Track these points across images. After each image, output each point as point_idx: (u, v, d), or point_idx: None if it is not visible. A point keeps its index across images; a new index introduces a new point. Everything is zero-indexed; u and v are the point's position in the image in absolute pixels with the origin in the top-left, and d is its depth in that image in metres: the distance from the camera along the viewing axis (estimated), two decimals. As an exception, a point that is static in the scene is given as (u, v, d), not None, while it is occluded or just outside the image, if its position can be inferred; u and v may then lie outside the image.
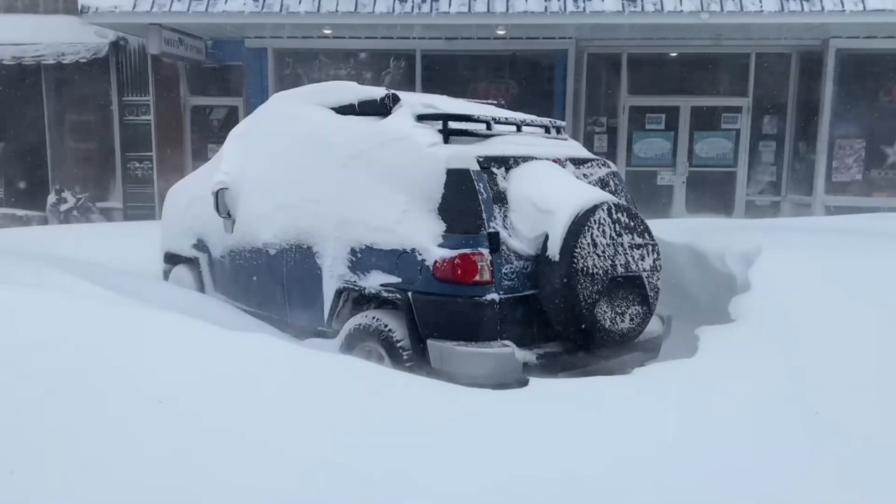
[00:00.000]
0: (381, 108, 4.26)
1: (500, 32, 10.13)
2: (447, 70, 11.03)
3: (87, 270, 4.41)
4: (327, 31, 10.34)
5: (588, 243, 3.64)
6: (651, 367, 3.37)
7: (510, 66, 11.02)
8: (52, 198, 11.16)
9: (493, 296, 3.65)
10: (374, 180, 4.05)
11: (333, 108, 4.57)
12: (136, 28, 10.07)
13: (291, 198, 4.58)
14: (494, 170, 3.85)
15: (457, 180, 3.72)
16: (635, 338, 3.96)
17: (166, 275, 6.01)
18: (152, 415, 2.37)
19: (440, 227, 3.73)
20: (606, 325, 3.73)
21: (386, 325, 3.92)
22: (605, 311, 3.73)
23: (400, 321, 3.89)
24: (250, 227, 4.90)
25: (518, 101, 10.30)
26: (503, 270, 3.70)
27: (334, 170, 4.30)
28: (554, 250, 3.67)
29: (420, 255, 3.76)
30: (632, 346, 3.99)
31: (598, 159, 4.50)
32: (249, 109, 9.18)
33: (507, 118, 4.31)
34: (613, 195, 4.12)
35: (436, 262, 3.68)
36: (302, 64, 11.17)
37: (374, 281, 3.99)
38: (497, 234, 3.70)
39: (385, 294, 3.96)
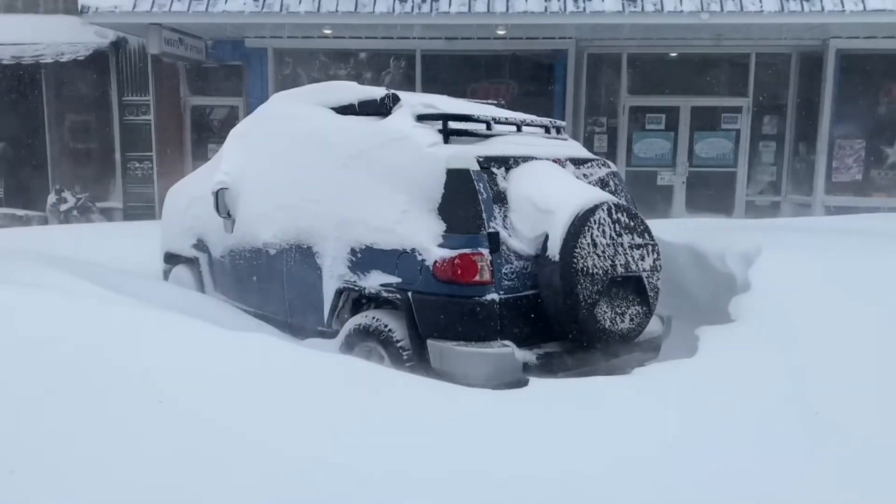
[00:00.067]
0: (381, 108, 4.26)
1: (500, 32, 10.14)
2: (447, 70, 11.03)
3: (87, 270, 4.41)
4: (327, 31, 10.34)
5: (588, 243, 3.64)
6: (651, 367, 3.37)
7: (510, 66, 11.02)
8: (52, 198, 11.16)
9: (493, 296, 3.65)
10: (374, 180, 4.05)
11: (333, 108, 4.57)
12: (136, 28, 10.07)
13: (291, 198, 4.58)
14: (494, 170, 3.85)
15: (457, 180, 3.72)
16: (635, 338, 3.96)
17: (166, 275, 6.01)
18: (152, 415, 2.37)
19: (440, 227, 3.73)
20: (606, 326, 3.73)
21: (386, 325, 3.92)
22: (605, 312, 3.73)
23: (400, 321, 3.89)
24: (250, 227, 4.90)
25: (518, 102, 10.29)
26: (503, 270, 3.70)
27: (334, 170, 4.30)
28: (554, 250, 3.67)
29: (420, 255, 3.76)
30: (632, 346, 3.99)
31: (598, 159, 4.50)
32: (249, 109, 9.18)
33: (507, 118, 4.31)
34: (613, 195, 4.12)
35: (436, 262, 3.68)
36: (302, 64, 11.17)
37: (374, 281, 3.99)
38: (497, 234, 3.70)
39: (385, 294, 3.95)
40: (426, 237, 3.74)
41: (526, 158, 4.01)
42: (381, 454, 2.31)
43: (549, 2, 9.26)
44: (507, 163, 3.93)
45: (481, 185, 3.72)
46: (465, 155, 3.80)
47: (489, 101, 5.54)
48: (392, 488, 2.16)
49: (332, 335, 4.26)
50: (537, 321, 3.81)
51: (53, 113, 11.70)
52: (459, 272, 3.62)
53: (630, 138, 11.02)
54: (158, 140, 11.22)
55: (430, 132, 3.95)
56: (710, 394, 2.86)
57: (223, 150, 5.33)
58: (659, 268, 4.00)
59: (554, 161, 4.11)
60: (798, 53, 10.60)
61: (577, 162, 4.31)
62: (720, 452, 2.47)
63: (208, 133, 11.44)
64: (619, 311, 3.81)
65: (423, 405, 2.70)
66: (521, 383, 3.18)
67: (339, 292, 4.24)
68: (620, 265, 3.78)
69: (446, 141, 3.92)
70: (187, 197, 5.74)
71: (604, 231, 3.72)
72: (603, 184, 4.35)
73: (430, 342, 3.73)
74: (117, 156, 11.59)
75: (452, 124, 3.98)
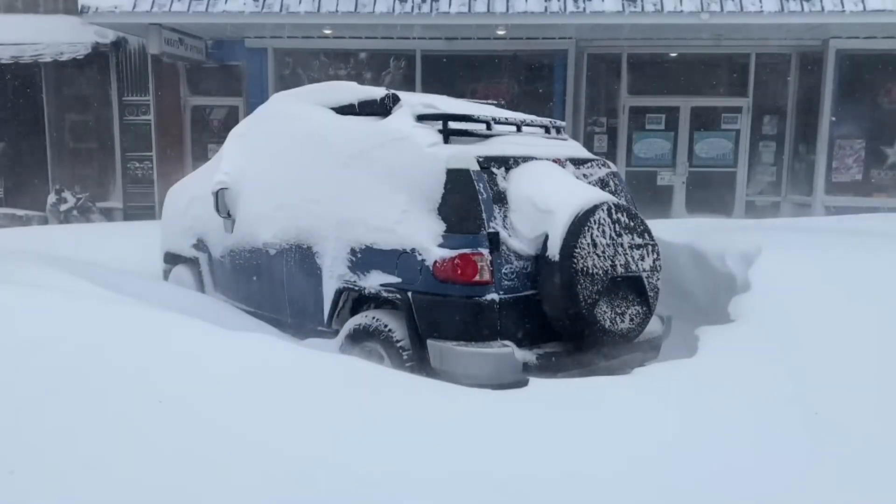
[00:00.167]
0: (381, 108, 4.26)
1: (500, 33, 10.14)
2: (447, 70, 11.03)
3: (87, 270, 4.41)
4: (327, 31, 10.34)
5: (588, 243, 3.64)
6: (651, 367, 3.36)
7: (510, 67, 11.02)
8: (52, 198, 11.16)
9: (493, 296, 3.65)
10: (374, 180, 4.05)
11: (333, 108, 4.57)
12: (136, 28, 10.08)
13: (291, 198, 4.58)
14: (494, 170, 3.85)
15: (457, 180, 3.72)
16: (635, 338, 3.96)
17: (166, 275, 6.02)
18: (152, 415, 2.37)
19: (440, 227, 3.73)
20: (606, 326, 3.73)
21: (386, 325, 3.92)
22: (605, 312, 3.73)
23: (400, 321, 3.89)
24: (250, 227, 4.90)
25: (518, 102, 10.31)
26: (503, 270, 3.70)
27: (334, 170, 4.30)
28: (554, 250, 3.67)
29: (420, 255, 3.76)
30: (632, 346, 3.99)
31: (598, 159, 4.50)
32: (249, 109, 9.18)
33: (507, 118, 4.31)
34: (613, 195, 4.12)
35: (436, 262, 3.68)
36: (302, 64, 11.17)
37: (374, 281, 3.99)
38: (497, 234, 3.70)
39: (385, 294, 3.96)
40: (426, 237, 3.74)
41: (526, 158, 4.01)
42: (381, 454, 2.31)
43: (549, 2, 9.26)
44: (507, 163, 3.93)
45: (481, 185, 3.72)
46: (465, 155, 3.80)
47: (489, 102, 5.54)
48: (392, 488, 2.16)
49: (332, 335, 4.27)
50: (537, 321, 3.81)
51: (53, 113, 11.71)
52: (459, 272, 3.62)
53: (630, 138, 11.02)
54: (158, 140, 11.23)
55: (430, 132, 3.95)
56: (710, 394, 2.86)
57: (223, 151, 5.33)
58: (659, 268, 4.00)
59: (554, 161, 4.11)
60: (798, 53, 10.61)
61: (577, 162, 4.31)
62: (720, 452, 2.47)
63: (208, 133, 11.44)
64: (619, 312, 3.81)
65: (423, 405, 2.69)
66: (521, 383, 3.17)
67: (339, 292, 4.24)
68: (620, 265, 3.78)
69: (446, 141, 3.93)
70: (187, 197, 5.74)
71: (604, 231, 3.72)
72: (603, 184, 4.35)
73: (430, 342, 3.73)
74: (117, 156, 11.60)
75: (452, 124, 3.98)
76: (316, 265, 4.38)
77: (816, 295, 3.58)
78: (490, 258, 3.65)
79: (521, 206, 3.80)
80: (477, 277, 3.63)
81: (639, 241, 3.89)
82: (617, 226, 3.79)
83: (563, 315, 3.71)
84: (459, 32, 10.26)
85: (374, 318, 4.00)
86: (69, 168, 11.79)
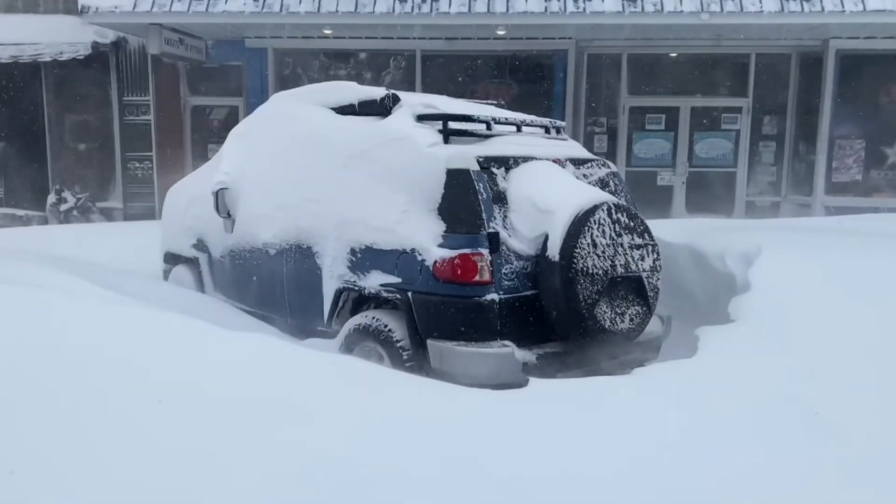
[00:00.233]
0: (381, 108, 4.26)
1: (500, 33, 10.14)
2: (447, 70, 11.03)
3: (87, 270, 4.41)
4: (327, 31, 10.34)
5: (588, 243, 3.64)
6: (651, 367, 3.37)
7: (510, 67, 11.02)
8: (52, 198, 11.16)
9: (493, 296, 3.66)
10: (374, 180, 4.05)
11: (333, 108, 4.57)
12: (137, 28, 10.07)
13: (291, 198, 4.58)
14: (494, 170, 3.85)
15: (457, 180, 3.72)
16: (635, 338, 3.96)
17: (166, 275, 6.02)
18: (152, 415, 2.37)
19: (440, 227, 3.73)
20: (606, 326, 3.73)
21: (386, 325, 3.92)
22: (605, 312, 3.73)
23: (400, 321, 3.89)
24: (250, 227, 4.90)
25: (518, 102, 10.29)
26: (503, 270, 3.70)
27: (334, 170, 4.30)
28: (554, 250, 3.67)
29: (420, 255, 3.76)
30: (632, 346, 3.99)
31: (597, 159, 4.50)
32: (249, 109, 9.18)
33: (507, 118, 4.31)
34: (613, 195, 4.12)
35: (436, 262, 3.68)
36: (302, 64, 11.17)
37: (374, 281, 3.99)
38: (497, 234, 3.70)
39: (385, 294, 3.96)
40: (426, 237, 3.74)
41: (526, 158, 4.01)
42: (381, 454, 2.31)
43: (549, 2, 9.26)
44: (507, 163, 3.93)
45: (481, 185, 3.72)
46: (465, 155, 3.80)
47: (489, 102, 5.54)
48: (392, 488, 2.16)
49: (332, 335, 4.27)
50: (537, 321, 3.81)
51: (53, 113, 11.70)
52: (459, 272, 3.62)
53: (630, 138, 11.02)
54: (158, 140, 11.23)
55: (430, 132, 3.95)
56: (710, 394, 2.86)
57: (223, 150, 5.33)
58: (659, 268, 4.00)
59: (554, 161, 4.11)
60: (798, 53, 10.61)
61: (577, 162, 4.31)
62: (720, 452, 2.47)
63: (208, 133, 11.43)
64: (619, 312, 3.81)
65: (423, 405, 2.70)
66: (521, 383, 3.18)
67: (339, 292, 4.24)
68: (620, 265, 3.78)
69: (446, 141, 3.93)
70: (187, 197, 5.74)
71: (604, 231, 3.72)
72: (603, 184, 4.35)
73: (429, 342, 3.73)
74: (117, 156, 11.59)
75: (452, 124, 3.98)
76: (316, 265, 4.38)
77: (816, 295, 3.58)
78: (490, 258, 3.65)
79: (521, 206, 3.80)
80: (477, 277, 3.63)
81: (639, 241, 3.89)
82: (617, 226, 3.79)
83: (563, 315, 3.71)
84: (459, 32, 10.26)
85: (374, 318, 4.00)
86: (69, 168, 11.79)
